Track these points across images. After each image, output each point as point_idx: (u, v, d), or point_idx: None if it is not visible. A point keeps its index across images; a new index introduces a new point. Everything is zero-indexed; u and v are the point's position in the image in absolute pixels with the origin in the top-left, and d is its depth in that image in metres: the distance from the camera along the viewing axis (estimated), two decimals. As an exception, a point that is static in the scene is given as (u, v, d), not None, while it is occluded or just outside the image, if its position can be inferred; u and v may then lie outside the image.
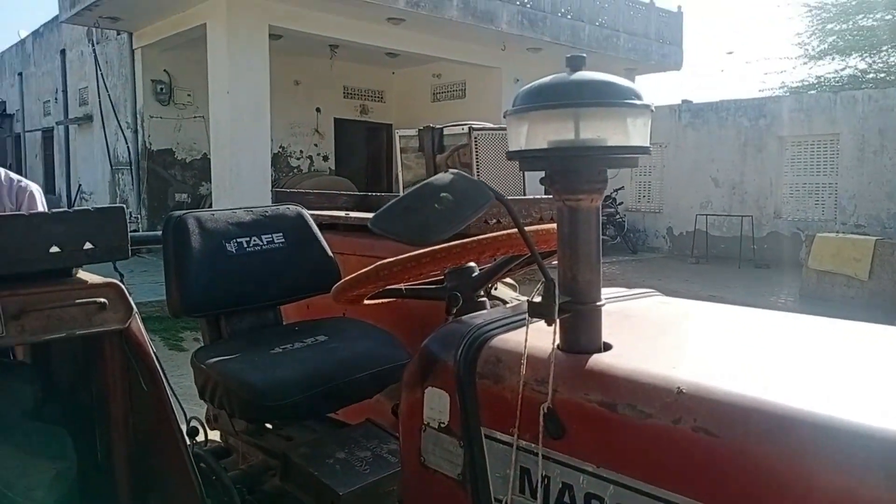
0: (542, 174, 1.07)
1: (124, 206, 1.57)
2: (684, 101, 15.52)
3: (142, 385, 1.56)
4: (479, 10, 12.40)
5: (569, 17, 13.90)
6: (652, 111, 1.07)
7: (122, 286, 1.52)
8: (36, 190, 2.81)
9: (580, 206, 1.07)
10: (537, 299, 1.04)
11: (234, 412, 1.82)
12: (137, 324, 1.55)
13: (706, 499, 0.85)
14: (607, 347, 1.09)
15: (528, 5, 13.23)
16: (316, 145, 14.87)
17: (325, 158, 15.01)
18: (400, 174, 2.87)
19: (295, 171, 14.53)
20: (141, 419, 1.62)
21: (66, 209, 1.47)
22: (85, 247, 1.46)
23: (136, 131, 12.83)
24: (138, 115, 12.85)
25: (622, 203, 15.61)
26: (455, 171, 0.98)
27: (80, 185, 15.32)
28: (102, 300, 1.46)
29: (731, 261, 13.00)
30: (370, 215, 2.76)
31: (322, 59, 13.86)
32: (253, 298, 2.13)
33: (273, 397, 1.75)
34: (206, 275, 2.02)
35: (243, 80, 10.53)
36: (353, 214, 2.73)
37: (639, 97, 1.06)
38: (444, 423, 1.16)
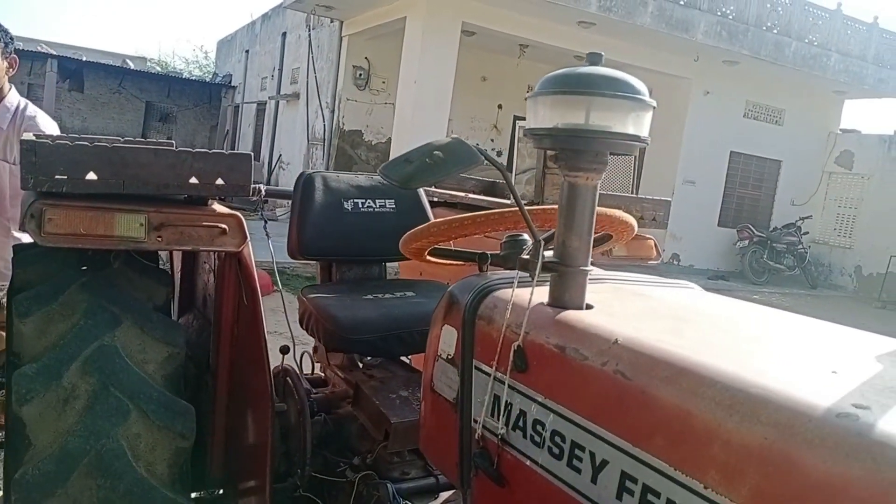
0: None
1: (252, 153, 1.92)
2: (898, 132, 14.11)
3: (245, 301, 1.92)
4: (675, 19, 12.12)
5: (774, 31, 13.15)
6: (654, 107, 1.20)
7: (242, 218, 1.86)
8: (42, 123, 2.90)
9: (578, 182, 1.23)
10: (526, 257, 1.22)
11: (320, 339, 2.14)
12: (249, 251, 1.89)
13: (616, 428, 0.99)
14: (590, 308, 1.24)
15: (731, 17, 12.70)
16: (492, 140, 15.30)
17: (499, 154, 15.38)
18: (515, 161, 3.07)
19: (470, 163, 15.05)
20: (242, 330, 1.98)
21: (205, 150, 1.84)
22: (217, 182, 1.82)
23: (332, 111, 13.98)
24: (337, 97, 13.98)
25: (807, 233, 14.53)
26: (456, 136, 1.18)
27: (280, 155, 16.94)
28: (224, 226, 1.81)
29: (925, 312, 11.71)
30: (491, 199, 2.99)
31: (510, 58, 14.21)
32: (360, 252, 2.45)
33: (352, 332, 2.05)
34: (323, 225, 2.36)
35: (431, 71, 11.14)
36: (472, 196, 2.97)
37: (645, 94, 1.20)
38: (450, 354, 1.37)
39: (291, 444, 2.13)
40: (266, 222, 2.45)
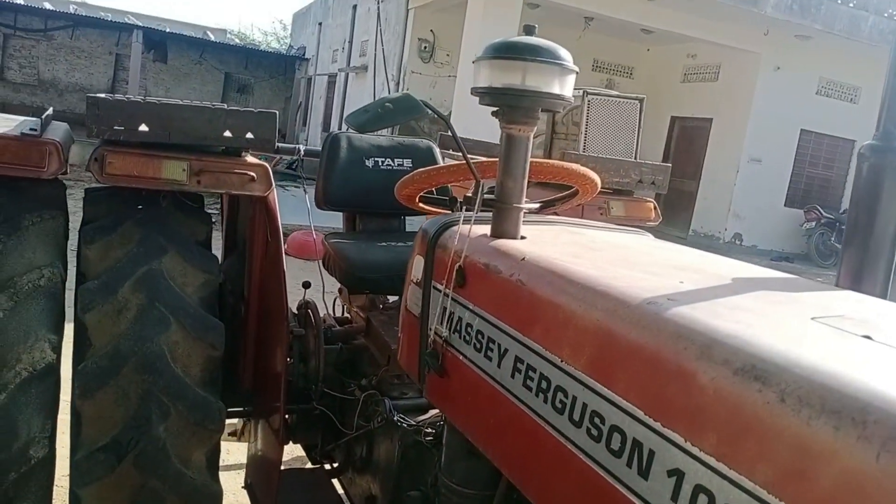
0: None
1: (276, 112, 2.23)
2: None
3: (269, 239, 2.26)
4: (744, -8, 11.86)
5: (850, 4, 12.66)
6: (577, 72, 1.45)
7: (269, 168, 2.19)
8: None
9: (514, 133, 1.49)
10: (469, 195, 1.50)
11: (336, 276, 2.47)
12: (273, 196, 2.22)
13: (513, 323, 1.27)
14: (523, 238, 1.51)
15: (804, -11, 12.31)
16: (555, 114, 15.32)
17: (562, 128, 15.42)
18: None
19: (532, 136, 15.15)
20: (265, 263, 2.32)
21: (237, 108, 2.17)
22: (247, 136, 2.15)
23: (398, 83, 14.30)
24: (402, 70, 14.30)
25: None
26: (407, 92, 1.44)
27: (348, 127, 17.39)
28: (253, 174, 2.14)
29: None
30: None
31: (574, 31, 14.18)
32: (379, 205, 2.75)
33: (363, 270, 2.37)
34: (346, 179, 2.68)
35: (492, 44, 11.28)
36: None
37: (569, 61, 1.45)
38: (418, 278, 1.66)
39: (310, 366, 2.47)
40: (305, 189, 2.79)
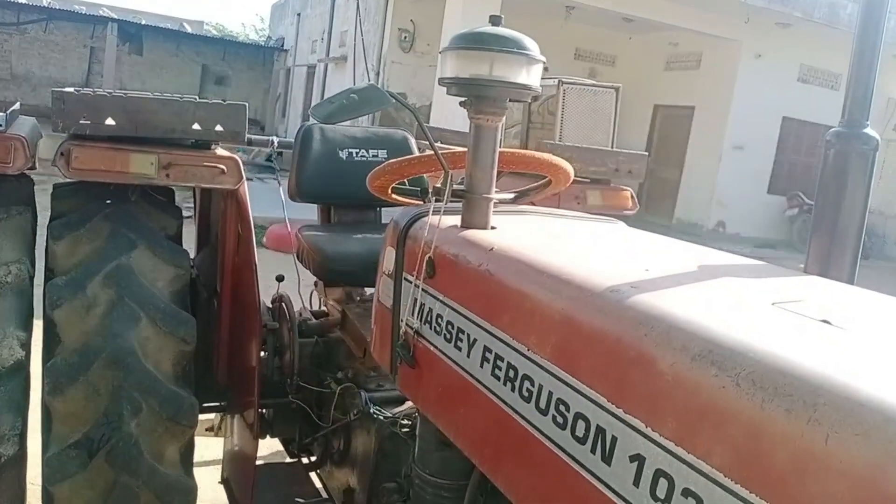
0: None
1: (246, 103, 2.21)
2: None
3: (241, 232, 2.24)
4: (724, -21, 11.89)
5: (829, -8, 12.74)
6: (544, 62, 1.44)
7: (240, 160, 2.17)
8: None
9: (482, 124, 1.48)
10: (438, 185, 1.49)
11: (310, 269, 2.45)
12: (244, 189, 2.20)
13: (481, 313, 1.27)
14: (494, 228, 1.50)
15: (783, -24, 12.37)
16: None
17: (544, 117, 15.41)
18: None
19: (513, 126, 15.15)
20: (237, 257, 2.30)
21: (206, 100, 2.14)
22: (216, 128, 2.12)
23: (378, 73, 14.22)
24: (382, 60, 14.22)
25: (858, 202, 14.19)
26: (371, 83, 1.43)
27: (329, 118, 17.33)
28: (223, 167, 2.12)
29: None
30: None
31: (556, 20, 14.16)
32: (354, 197, 2.73)
33: (337, 263, 2.35)
34: (319, 171, 2.66)
35: (472, 34, 11.25)
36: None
37: (536, 52, 1.44)
38: (390, 270, 1.65)
39: (285, 360, 2.45)
40: (279, 182, 2.77)
